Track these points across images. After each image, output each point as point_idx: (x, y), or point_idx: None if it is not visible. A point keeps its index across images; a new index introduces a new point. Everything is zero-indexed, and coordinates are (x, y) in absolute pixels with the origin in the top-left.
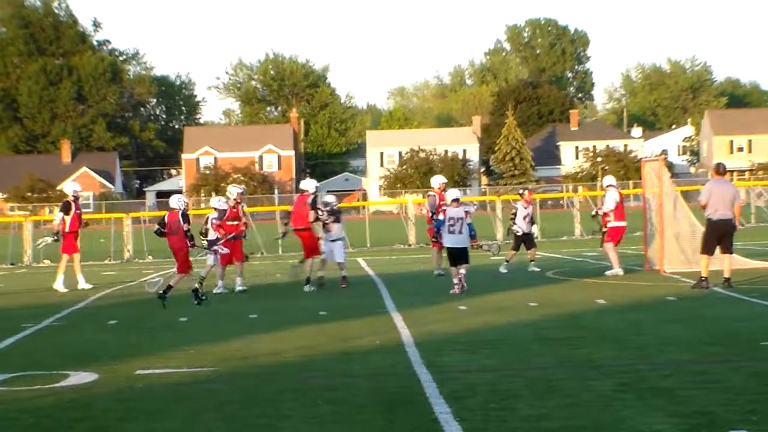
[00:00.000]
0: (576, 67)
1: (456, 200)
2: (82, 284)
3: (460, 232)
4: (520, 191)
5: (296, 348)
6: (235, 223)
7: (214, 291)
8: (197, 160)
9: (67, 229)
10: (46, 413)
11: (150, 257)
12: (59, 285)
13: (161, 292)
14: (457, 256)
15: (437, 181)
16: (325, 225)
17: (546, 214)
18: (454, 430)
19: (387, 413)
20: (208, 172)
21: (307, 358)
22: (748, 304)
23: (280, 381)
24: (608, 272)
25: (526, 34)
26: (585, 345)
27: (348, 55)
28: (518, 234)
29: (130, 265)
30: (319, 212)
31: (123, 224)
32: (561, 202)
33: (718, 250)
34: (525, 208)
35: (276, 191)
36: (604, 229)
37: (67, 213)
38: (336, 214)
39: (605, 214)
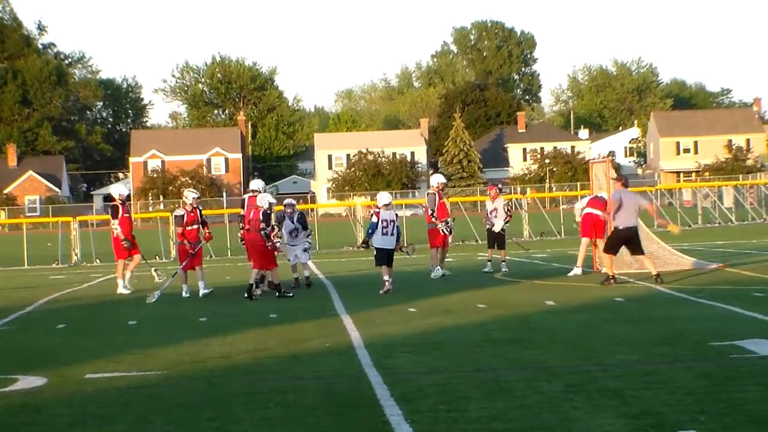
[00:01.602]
0: (523, 69)
1: (387, 204)
2: (121, 288)
3: (392, 234)
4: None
5: (246, 351)
6: (195, 227)
7: (183, 294)
8: (145, 163)
9: (115, 234)
10: None
11: (98, 261)
12: (121, 289)
13: (254, 290)
14: (387, 256)
15: (436, 180)
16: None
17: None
18: None
19: (338, 415)
20: (155, 175)
21: (258, 361)
22: (695, 305)
23: (230, 384)
24: (570, 273)
25: (472, 37)
26: (534, 346)
27: (295, 58)
28: (488, 229)
29: (78, 268)
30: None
31: (70, 228)
32: (510, 204)
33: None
34: (491, 203)
35: (224, 194)
36: None
37: (115, 217)
38: (303, 219)
39: None
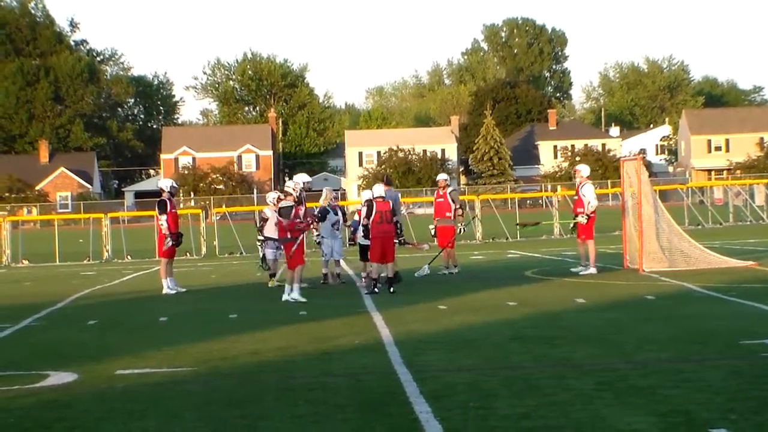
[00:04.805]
0: (554, 66)
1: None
2: (166, 288)
3: None
4: None
5: (276, 348)
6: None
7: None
8: (176, 160)
9: (163, 231)
10: (26, 413)
11: (129, 257)
12: (166, 290)
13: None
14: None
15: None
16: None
17: (525, 214)
18: (434, 430)
19: (367, 413)
20: (186, 172)
21: (287, 358)
22: (726, 303)
23: (260, 381)
24: (584, 272)
25: (503, 34)
26: (564, 344)
27: (326, 55)
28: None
29: (109, 265)
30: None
31: (101, 224)
32: (540, 201)
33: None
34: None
35: (255, 191)
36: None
37: (163, 212)
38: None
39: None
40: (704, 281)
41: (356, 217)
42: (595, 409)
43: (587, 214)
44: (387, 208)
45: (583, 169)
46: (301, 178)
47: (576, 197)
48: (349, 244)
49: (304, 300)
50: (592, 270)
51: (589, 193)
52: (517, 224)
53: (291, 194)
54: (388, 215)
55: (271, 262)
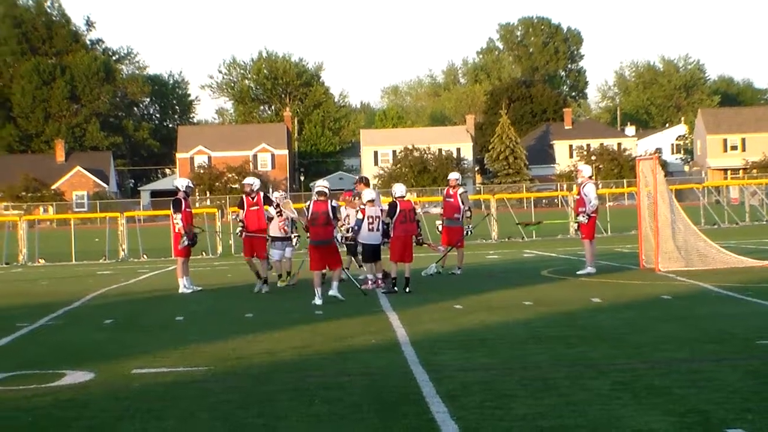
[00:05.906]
0: (569, 65)
1: (371, 201)
2: (182, 287)
3: (378, 230)
4: None
5: (292, 347)
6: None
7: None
8: (191, 159)
9: (177, 229)
10: (43, 412)
11: (145, 256)
12: (183, 289)
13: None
14: (373, 253)
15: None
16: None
17: (540, 213)
18: (450, 430)
19: (383, 412)
20: (202, 171)
21: (303, 358)
22: (742, 303)
23: (275, 380)
24: (581, 271)
25: (519, 33)
26: (580, 344)
27: (341, 54)
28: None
29: (125, 264)
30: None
31: (118, 223)
32: (555, 200)
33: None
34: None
35: (270, 190)
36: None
37: (178, 210)
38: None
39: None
40: (720, 281)
41: (359, 216)
42: (612, 409)
43: (588, 214)
44: (410, 207)
45: (585, 169)
46: (322, 183)
47: (578, 197)
48: (347, 243)
49: (342, 298)
50: (590, 269)
51: (590, 193)
52: (518, 223)
53: (325, 194)
54: (411, 214)
55: (276, 263)
